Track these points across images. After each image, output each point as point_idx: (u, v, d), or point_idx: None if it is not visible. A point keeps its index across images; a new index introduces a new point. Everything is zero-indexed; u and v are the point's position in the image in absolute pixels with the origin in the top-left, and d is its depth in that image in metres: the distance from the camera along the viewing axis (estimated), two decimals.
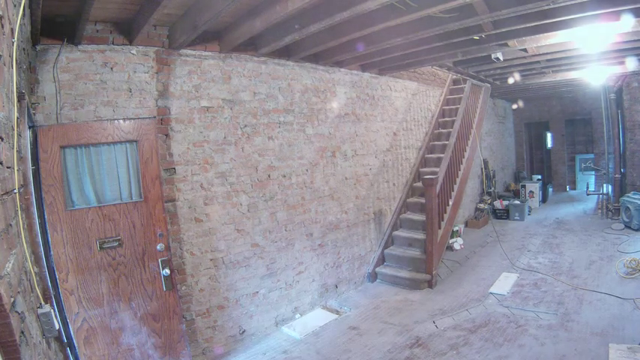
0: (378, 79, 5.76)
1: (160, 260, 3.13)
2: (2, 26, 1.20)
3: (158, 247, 3.14)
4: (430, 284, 5.02)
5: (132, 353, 3.01)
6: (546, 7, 3.14)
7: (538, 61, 6.18)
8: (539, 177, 10.60)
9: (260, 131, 4.12)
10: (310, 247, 4.65)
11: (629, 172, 8.16)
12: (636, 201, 6.73)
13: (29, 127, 2.44)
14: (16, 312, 1.08)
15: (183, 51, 3.54)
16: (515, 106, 11.56)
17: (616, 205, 7.59)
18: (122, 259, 3.00)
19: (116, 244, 2.99)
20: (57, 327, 1.68)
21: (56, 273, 2.70)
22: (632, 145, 8.13)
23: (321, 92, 4.85)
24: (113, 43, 3.13)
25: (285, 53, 4.33)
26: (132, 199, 3.11)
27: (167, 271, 3.14)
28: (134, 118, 3.16)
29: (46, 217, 2.71)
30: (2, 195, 1.13)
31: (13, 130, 1.51)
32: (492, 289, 4.75)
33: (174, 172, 3.46)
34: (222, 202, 3.77)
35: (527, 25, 3.69)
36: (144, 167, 3.12)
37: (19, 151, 1.74)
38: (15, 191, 1.41)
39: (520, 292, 4.62)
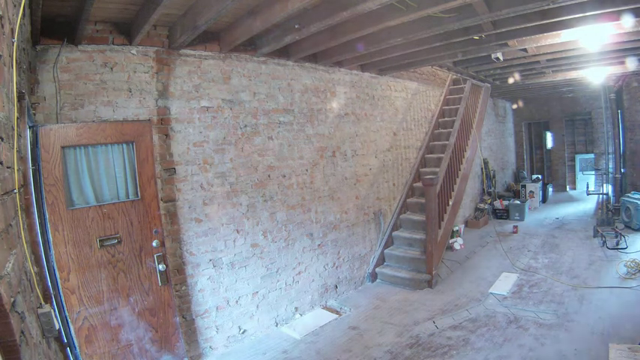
0: (378, 79, 5.76)
1: (155, 256, 3.18)
2: (2, 26, 1.20)
3: (154, 244, 3.19)
4: (430, 284, 5.02)
5: (131, 349, 3.04)
6: (546, 7, 3.14)
7: (538, 61, 6.18)
8: (539, 176, 10.60)
9: (260, 131, 4.13)
10: (310, 247, 4.65)
11: (629, 172, 8.16)
12: (636, 201, 6.72)
13: (29, 127, 2.44)
14: (16, 312, 1.08)
15: (183, 51, 3.54)
16: (515, 106, 11.57)
17: (616, 205, 7.59)
18: (121, 255, 3.04)
19: (115, 241, 3.01)
20: (57, 327, 1.68)
21: (57, 272, 2.71)
22: (632, 145, 8.14)
23: (321, 92, 4.85)
24: (113, 43, 3.13)
25: (285, 53, 4.33)
26: (129, 197, 3.14)
27: (162, 266, 3.19)
28: (131, 121, 3.18)
29: (46, 216, 2.72)
30: (2, 195, 1.13)
31: (13, 130, 1.51)
32: (492, 289, 4.75)
33: (174, 172, 3.46)
34: (222, 202, 3.77)
35: (527, 25, 3.69)
36: (140, 167, 3.15)
37: (19, 151, 1.74)
38: (15, 191, 1.41)
39: (520, 292, 4.62)
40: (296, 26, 3.33)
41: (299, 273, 4.51)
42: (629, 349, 3.05)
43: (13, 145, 1.47)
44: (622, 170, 8.12)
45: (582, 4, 3.24)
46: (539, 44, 4.71)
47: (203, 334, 3.60)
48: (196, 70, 3.63)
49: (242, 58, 3.98)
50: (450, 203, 5.79)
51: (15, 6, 1.52)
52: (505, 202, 8.73)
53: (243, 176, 3.96)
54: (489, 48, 4.75)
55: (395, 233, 5.85)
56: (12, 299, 1.05)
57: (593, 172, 10.27)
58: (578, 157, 11.42)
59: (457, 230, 6.91)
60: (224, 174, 3.80)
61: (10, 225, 1.24)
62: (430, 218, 5.17)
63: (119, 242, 3.03)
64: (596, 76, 7.11)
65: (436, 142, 6.82)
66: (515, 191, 9.98)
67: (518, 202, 8.66)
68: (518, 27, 3.75)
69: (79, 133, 2.87)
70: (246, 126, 4.00)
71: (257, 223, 4.07)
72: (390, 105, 5.98)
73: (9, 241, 1.17)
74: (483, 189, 9.03)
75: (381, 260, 5.65)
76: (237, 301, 3.86)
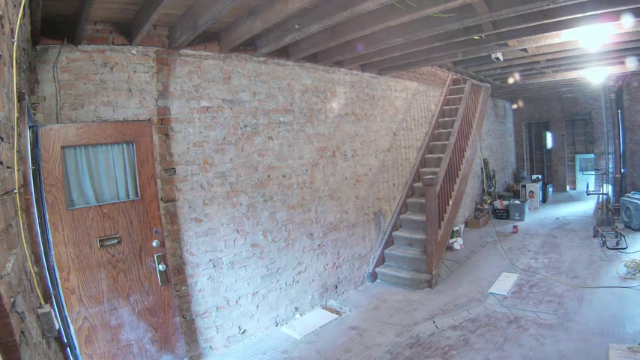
0: (378, 79, 5.76)
1: (155, 256, 3.19)
2: (2, 26, 1.20)
3: (154, 244, 3.20)
4: (430, 284, 5.02)
5: (131, 349, 3.04)
6: (546, 7, 3.14)
7: (538, 61, 6.18)
8: (539, 176, 10.60)
9: (260, 131, 4.13)
10: (310, 247, 4.65)
11: (629, 172, 8.16)
12: (636, 201, 6.72)
13: (29, 127, 2.44)
14: (16, 312, 1.08)
15: (183, 51, 3.54)
16: (515, 106, 11.57)
17: (616, 205, 7.59)
18: (121, 255, 3.04)
19: (115, 241, 3.02)
20: (57, 327, 1.68)
21: (57, 272, 2.71)
22: (632, 145, 8.14)
23: (321, 92, 4.85)
24: (113, 43, 3.13)
25: (285, 53, 4.33)
26: (129, 197, 3.14)
27: (162, 266, 3.20)
28: (131, 121, 3.18)
29: (46, 216, 2.72)
30: (2, 195, 1.13)
31: (13, 130, 1.51)
32: (492, 289, 4.75)
33: (174, 172, 3.46)
34: (222, 202, 3.77)
35: (527, 25, 3.69)
36: (140, 167, 3.16)
37: (19, 151, 1.74)
38: (15, 191, 1.41)
39: (520, 292, 4.62)
40: (296, 26, 3.33)
41: (299, 273, 4.51)
42: (629, 349, 3.06)
43: (13, 145, 1.47)
44: (622, 170, 8.12)
45: (582, 4, 3.24)
46: (539, 44, 4.71)
47: (203, 334, 3.60)
48: (196, 70, 3.63)
49: (242, 58, 3.98)
50: (450, 203, 5.79)
51: (15, 6, 1.52)
52: (505, 202, 8.72)
53: (243, 176, 3.96)
54: (489, 48, 4.75)
55: (395, 233, 5.85)
56: (12, 299, 1.05)
57: (593, 172, 10.27)
58: (578, 157, 11.42)
59: (457, 230, 6.91)
60: (224, 174, 3.80)
61: (10, 225, 1.24)
62: (430, 218, 5.17)
63: (119, 242, 3.03)
64: (596, 76, 7.10)
65: (436, 142, 6.82)
66: (515, 191, 9.98)
67: (518, 202, 8.66)
68: (518, 27, 3.75)
69: (79, 133, 2.88)
70: (246, 126, 4.00)
71: (257, 223, 4.07)
72: (390, 105, 5.98)
73: (9, 241, 1.17)
74: (483, 189, 9.03)
75: (381, 260, 5.65)
76: (237, 301, 3.86)
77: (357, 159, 5.35)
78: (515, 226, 7.49)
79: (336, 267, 5.01)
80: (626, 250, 5.65)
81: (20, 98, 1.76)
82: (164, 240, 3.29)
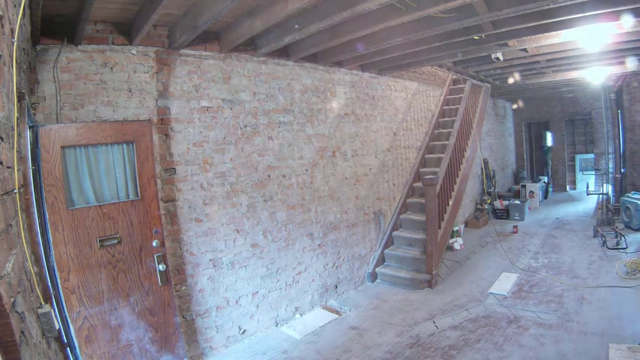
0: (378, 79, 5.76)
1: (155, 256, 3.20)
2: (2, 26, 1.20)
3: (154, 244, 3.20)
4: (430, 284, 5.02)
5: (131, 349, 3.04)
6: (546, 7, 3.15)
7: (538, 61, 6.18)
8: (543, 177, 10.62)
9: (260, 131, 4.13)
10: (310, 247, 4.65)
11: (629, 172, 8.16)
12: (636, 201, 6.72)
13: (29, 127, 2.44)
14: (16, 312, 1.08)
15: (183, 51, 3.54)
16: (515, 106, 11.58)
17: (616, 205, 7.59)
18: (121, 256, 3.05)
19: (115, 241, 3.02)
20: (57, 327, 1.68)
21: (57, 272, 2.71)
22: (632, 145, 8.14)
23: (321, 92, 4.85)
24: (113, 43, 3.13)
25: (285, 53, 4.33)
26: (129, 197, 3.14)
27: (162, 266, 3.20)
28: (131, 121, 3.18)
29: (46, 216, 2.72)
30: (2, 195, 1.13)
31: (13, 130, 1.51)
32: (492, 289, 4.75)
33: (174, 172, 3.46)
34: (222, 202, 3.77)
35: (527, 25, 3.70)
36: (140, 167, 3.16)
37: (19, 151, 1.74)
38: (15, 191, 1.41)
39: (520, 292, 4.62)
40: (296, 26, 3.33)
41: (299, 273, 4.51)
42: (629, 349, 3.05)
43: (13, 145, 1.47)
44: (622, 170, 8.12)
45: (582, 4, 3.24)
46: (539, 44, 4.71)
47: (203, 334, 3.60)
48: (196, 70, 3.63)
49: (242, 58, 3.98)
50: (450, 203, 5.79)
51: (15, 6, 1.52)
52: (505, 202, 8.73)
53: (243, 176, 3.96)
54: (489, 48, 4.75)
55: (395, 233, 5.85)
56: (12, 299, 1.05)
57: (593, 172, 10.27)
58: (578, 157, 11.42)
59: (457, 230, 6.91)
60: (224, 174, 3.80)
61: (10, 225, 1.24)
62: (430, 218, 5.17)
63: (119, 242, 3.03)
64: (596, 76, 7.11)
65: (436, 142, 6.82)
66: (515, 191, 9.99)
67: (518, 202, 8.66)
68: (518, 27, 3.76)
69: (79, 133, 2.88)
70: (246, 126, 4.00)
71: (257, 223, 4.07)
72: (390, 105, 5.98)
73: (9, 241, 1.17)
74: (483, 189, 9.03)
75: (381, 260, 5.65)
76: (237, 301, 3.86)
77: (357, 159, 5.35)
78: (515, 226, 7.49)
79: (336, 267, 5.01)
80: (626, 250, 5.64)
81: (20, 98, 1.76)
82: (164, 240, 3.29)
